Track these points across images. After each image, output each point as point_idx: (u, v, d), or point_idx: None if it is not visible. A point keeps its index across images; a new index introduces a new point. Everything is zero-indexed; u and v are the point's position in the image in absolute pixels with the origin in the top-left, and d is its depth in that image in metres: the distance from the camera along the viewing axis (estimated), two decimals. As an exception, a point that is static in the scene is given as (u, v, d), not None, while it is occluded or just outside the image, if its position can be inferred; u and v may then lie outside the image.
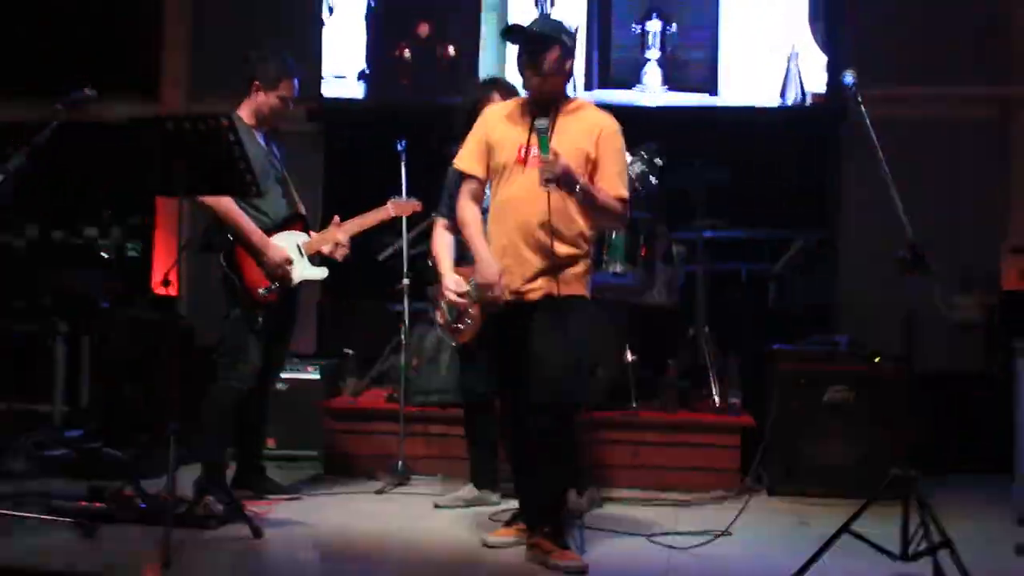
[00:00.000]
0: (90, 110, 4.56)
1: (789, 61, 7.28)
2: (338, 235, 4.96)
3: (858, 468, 5.20)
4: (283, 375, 5.84)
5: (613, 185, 3.96)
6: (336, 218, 5.02)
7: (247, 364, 4.74)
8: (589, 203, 3.88)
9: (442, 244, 4.46)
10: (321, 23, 7.97)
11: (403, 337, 5.72)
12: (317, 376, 6.21)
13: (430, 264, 4.81)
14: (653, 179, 4.73)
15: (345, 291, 7.48)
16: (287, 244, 4.82)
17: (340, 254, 4.99)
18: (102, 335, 6.48)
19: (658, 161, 4.74)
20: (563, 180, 3.73)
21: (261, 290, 4.72)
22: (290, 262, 4.80)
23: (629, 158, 4.43)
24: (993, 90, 7.46)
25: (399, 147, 5.65)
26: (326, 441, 5.91)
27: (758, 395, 5.79)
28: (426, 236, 6.18)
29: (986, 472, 5.96)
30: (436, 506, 5.00)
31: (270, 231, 4.79)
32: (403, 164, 5.63)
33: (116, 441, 5.76)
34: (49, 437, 5.71)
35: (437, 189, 4.90)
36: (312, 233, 4.99)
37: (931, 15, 7.35)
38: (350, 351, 6.50)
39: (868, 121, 3.84)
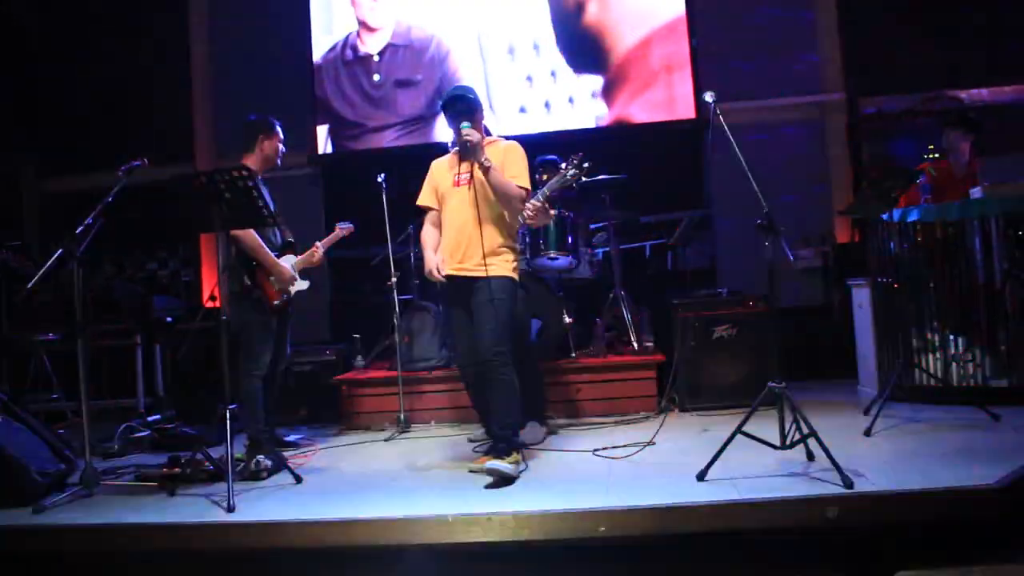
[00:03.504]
0: (144, 173, 4.47)
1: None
2: (319, 251, 5.03)
3: (743, 384, 5.20)
4: (307, 359, 6.10)
5: (517, 178, 4.22)
6: (316, 243, 5.07)
7: (265, 355, 4.69)
8: (495, 181, 4.10)
9: (427, 235, 4.43)
10: (315, 98, 7.98)
11: (395, 321, 5.67)
12: (333, 357, 6.24)
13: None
14: (583, 179, 4.78)
15: (350, 290, 7.48)
16: (288, 266, 4.79)
17: (318, 263, 5.06)
18: (171, 342, 6.39)
19: (586, 165, 4.77)
20: (475, 147, 4.04)
21: (276, 301, 4.70)
22: (295, 279, 4.81)
23: (562, 165, 4.62)
24: (813, 98, 7.56)
25: (380, 179, 5.60)
26: (344, 405, 5.83)
27: (665, 337, 5.79)
28: (406, 243, 6.21)
29: (829, 378, 6.05)
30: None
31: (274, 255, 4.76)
32: (384, 192, 5.59)
33: (188, 421, 5.69)
34: (136, 423, 5.59)
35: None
36: (297, 256, 4.96)
37: (766, 47, 7.47)
38: (357, 335, 6.44)
39: (726, 127, 3.84)
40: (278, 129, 4.85)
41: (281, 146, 4.86)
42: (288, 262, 4.81)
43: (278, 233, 4.87)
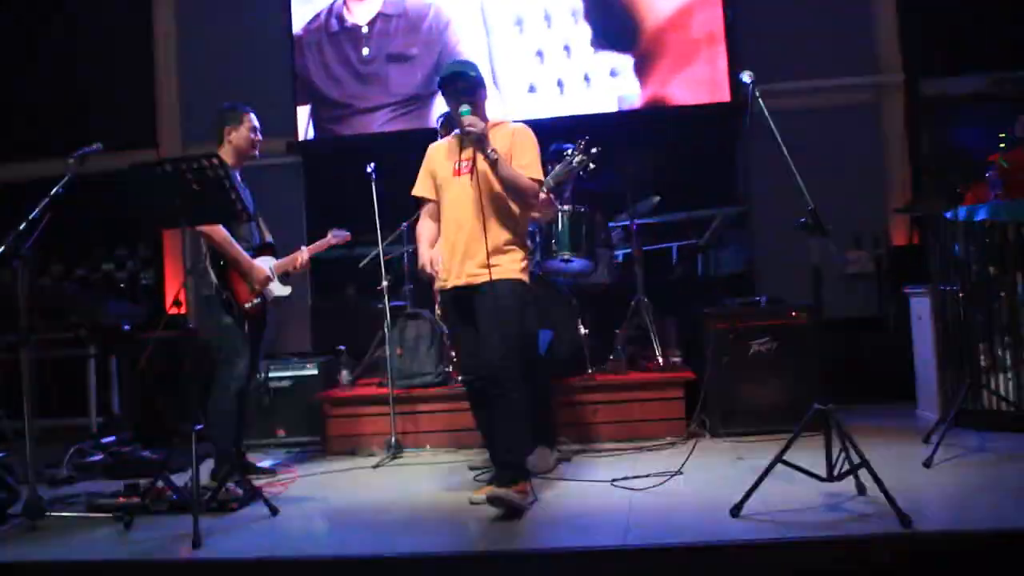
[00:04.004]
0: (100, 161, 4.49)
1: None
2: (303, 256, 5.05)
3: (784, 407, 5.17)
4: (285, 373, 6.08)
5: (527, 169, 4.17)
6: (301, 247, 5.09)
7: (240, 365, 4.71)
8: (503, 173, 4.07)
9: (423, 228, 4.43)
10: (295, 75, 7.98)
11: (386, 331, 5.66)
12: (315, 371, 6.20)
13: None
14: (591, 165, 4.76)
15: (334, 295, 7.48)
16: (264, 267, 4.81)
17: (300, 269, 5.10)
18: (129, 354, 6.40)
19: (593, 151, 4.76)
20: (480, 137, 3.99)
21: (248, 304, 4.70)
22: (270, 280, 4.82)
23: (569, 150, 4.57)
24: (866, 79, 7.54)
25: (369, 169, 5.61)
26: (327, 426, 5.82)
27: (695, 352, 5.78)
28: (398, 243, 6.21)
29: (883, 400, 6.01)
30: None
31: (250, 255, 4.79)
32: (373, 184, 5.59)
33: (148, 443, 5.69)
34: (88, 445, 5.59)
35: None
36: (277, 259, 4.98)
37: (813, 20, 7.45)
38: (342, 347, 6.44)
39: (766, 112, 3.82)
40: (249, 118, 4.86)
41: (253, 136, 4.87)
42: (266, 264, 4.82)
43: (255, 232, 4.87)
